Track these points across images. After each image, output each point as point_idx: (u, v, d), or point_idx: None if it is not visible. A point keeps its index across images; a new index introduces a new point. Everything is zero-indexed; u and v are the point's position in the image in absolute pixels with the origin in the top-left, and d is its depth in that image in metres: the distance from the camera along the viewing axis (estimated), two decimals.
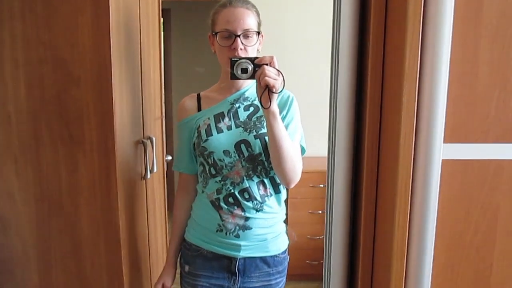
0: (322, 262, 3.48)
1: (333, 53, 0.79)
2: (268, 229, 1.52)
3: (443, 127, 0.69)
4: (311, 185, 3.19)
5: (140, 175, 1.85)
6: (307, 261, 3.32)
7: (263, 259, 1.52)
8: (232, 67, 1.35)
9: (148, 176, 1.90)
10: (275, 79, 1.28)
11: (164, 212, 2.36)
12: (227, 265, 1.52)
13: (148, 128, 1.97)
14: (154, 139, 1.94)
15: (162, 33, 2.34)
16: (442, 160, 0.69)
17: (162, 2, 2.30)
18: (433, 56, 0.65)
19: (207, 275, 1.54)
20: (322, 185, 3.20)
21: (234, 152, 1.47)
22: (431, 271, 0.71)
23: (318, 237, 3.27)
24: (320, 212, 3.24)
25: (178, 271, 1.65)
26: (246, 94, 1.55)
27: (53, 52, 1.45)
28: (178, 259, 1.65)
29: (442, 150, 0.69)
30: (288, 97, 1.52)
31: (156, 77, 2.17)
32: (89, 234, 1.55)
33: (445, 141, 0.69)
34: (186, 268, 1.59)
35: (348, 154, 0.79)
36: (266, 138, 1.44)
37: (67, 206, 1.53)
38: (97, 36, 1.44)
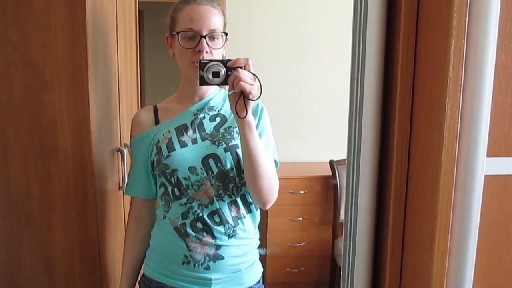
0: (303, 270, 3.43)
1: (356, 56, 0.71)
2: (242, 258, 1.34)
3: (487, 139, 0.62)
4: (291, 191, 3.13)
5: (117, 185, 1.74)
6: (287, 269, 3.25)
7: None
8: (201, 70, 1.16)
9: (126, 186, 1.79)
10: (251, 85, 1.13)
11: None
12: None
13: (125, 135, 1.85)
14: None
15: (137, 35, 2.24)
16: (485, 176, 0.63)
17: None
18: (476, 60, 0.58)
19: None
20: (302, 192, 3.14)
21: (201, 168, 1.28)
22: None
23: (298, 244, 3.21)
24: (300, 219, 3.18)
25: None
26: (211, 103, 1.37)
27: (23, 53, 1.33)
28: None
29: (485, 165, 0.63)
30: (258, 105, 1.35)
31: (133, 81, 2.06)
32: (64, 250, 1.43)
33: (488, 154, 0.63)
34: None
35: (373, 169, 0.71)
36: (238, 150, 1.29)
37: (38, 221, 1.40)
38: (72, 37, 1.34)
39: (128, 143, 1.82)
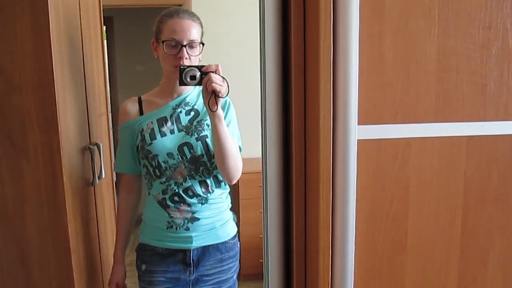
0: None
1: (261, 57, 0.87)
2: (215, 218, 1.63)
3: (357, 111, 0.79)
4: (260, 185, 3.25)
5: (88, 181, 1.85)
6: (260, 261, 3.37)
7: (215, 247, 1.62)
8: (180, 74, 1.45)
9: (96, 182, 1.90)
10: (220, 85, 1.41)
11: (115, 218, 2.36)
12: (182, 258, 1.61)
13: (94, 134, 1.97)
14: (101, 145, 1.94)
15: (104, 40, 2.35)
16: (358, 140, 0.80)
17: (104, 10, 2.31)
18: (344, 51, 0.75)
19: (163, 270, 1.62)
20: None
21: (177, 154, 1.56)
22: (354, 240, 0.81)
23: None
24: None
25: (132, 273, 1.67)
26: (187, 100, 1.65)
27: None
28: (135, 262, 1.70)
29: (357, 131, 0.80)
30: (226, 101, 1.62)
31: (100, 83, 2.17)
32: (37, 241, 1.54)
33: (359, 123, 0.80)
34: (143, 267, 1.66)
35: (279, 143, 0.88)
36: (207, 140, 1.57)
37: (12, 215, 1.51)
38: (38, 43, 1.44)
39: (98, 142, 1.95)
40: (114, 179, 2.47)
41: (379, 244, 0.85)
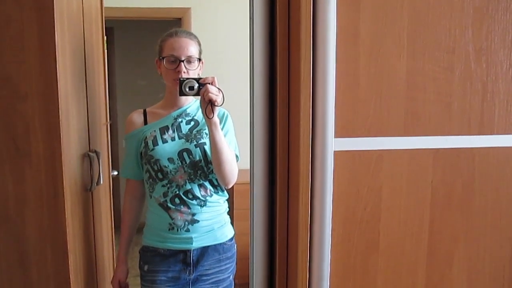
0: None
1: (251, 83, 0.97)
2: (214, 220, 1.76)
3: (333, 125, 0.90)
4: None
5: (86, 187, 1.92)
6: None
7: (213, 247, 1.75)
8: (180, 85, 1.59)
9: (94, 188, 1.97)
10: (216, 95, 1.55)
11: (111, 224, 2.42)
12: (183, 258, 1.73)
13: (94, 142, 2.05)
14: (100, 153, 2.02)
15: (105, 51, 2.44)
16: (334, 151, 0.89)
17: (105, 21, 2.40)
18: (322, 73, 0.86)
19: (165, 270, 1.74)
20: None
21: (177, 159, 1.70)
22: (330, 241, 0.89)
23: None
24: None
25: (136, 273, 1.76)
26: (188, 111, 1.80)
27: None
28: (138, 263, 1.82)
29: (333, 143, 0.89)
30: (224, 113, 1.79)
31: (101, 93, 2.25)
32: (36, 243, 1.60)
33: (335, 136, 0.90)
34: (146, 267, 1.77)
35: (265, 154, 0.97)
36: (205, 147, 1.71)
37: (13, 216, 1.57)
38: (43, 54, 1.52)
39: (97, 150, 2.03)
40: (112, 186, 2.54)
41: (354, 245, 0.94)
